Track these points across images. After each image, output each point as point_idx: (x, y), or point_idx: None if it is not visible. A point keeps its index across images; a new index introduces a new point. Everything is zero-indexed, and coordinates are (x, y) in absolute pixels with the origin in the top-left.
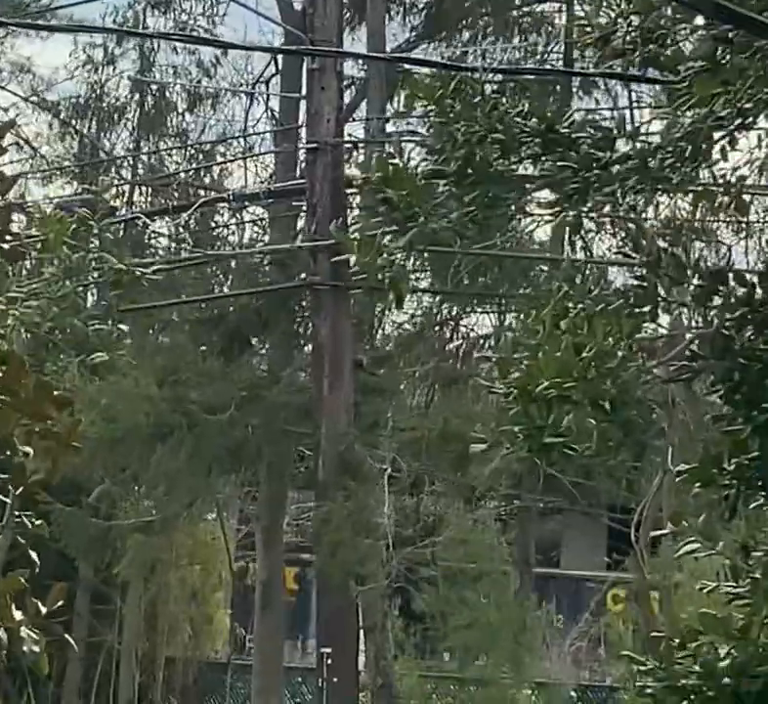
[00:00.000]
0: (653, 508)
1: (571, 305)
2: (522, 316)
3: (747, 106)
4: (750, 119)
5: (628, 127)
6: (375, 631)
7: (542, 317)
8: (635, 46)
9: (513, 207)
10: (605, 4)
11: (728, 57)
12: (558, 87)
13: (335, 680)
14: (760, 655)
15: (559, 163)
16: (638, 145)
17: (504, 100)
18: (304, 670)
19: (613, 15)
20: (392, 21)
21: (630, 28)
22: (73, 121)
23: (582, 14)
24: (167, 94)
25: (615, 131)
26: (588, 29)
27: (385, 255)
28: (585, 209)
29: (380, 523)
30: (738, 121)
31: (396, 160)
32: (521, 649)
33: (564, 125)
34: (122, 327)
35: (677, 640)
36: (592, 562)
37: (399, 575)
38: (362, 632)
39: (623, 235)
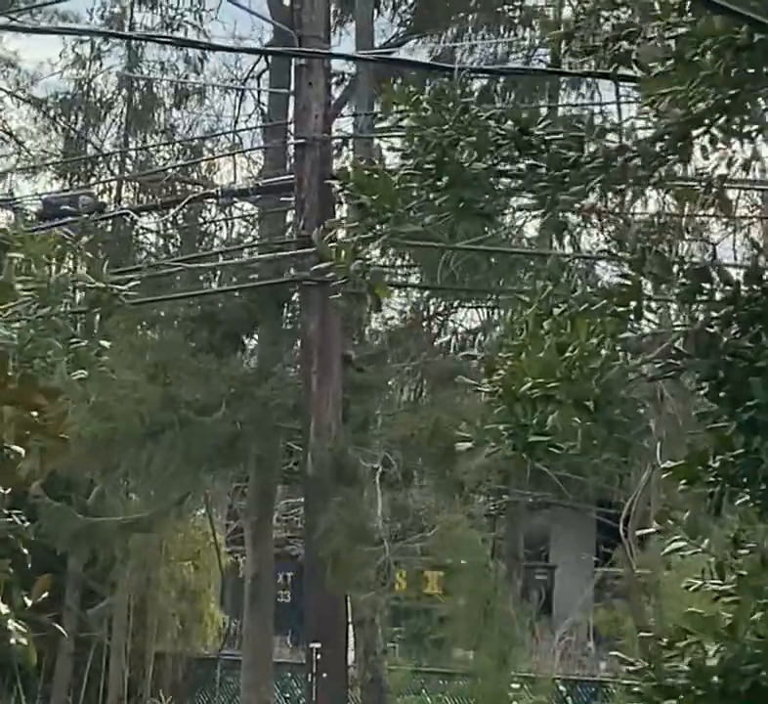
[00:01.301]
0: (641, 503)
1: (555, 304)
2: (506, 315)
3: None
4: (725, 119)
5: (605, 125)
6: (365, 625)
7: (525, 317)
8: (606, 43)
9: (485, 211)
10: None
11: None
12: (547, 82)
13: (325, 674)
14: (748, 654)
15: (528, 163)
16: (604, 144)
17: (475, 104)
18: (293, 665)
19: (577, 10)
20: (381, 15)
21: (597, 25)
22: (61, 117)
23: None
24: (155, 89)
25: (584, 131)
26: (552, 25)
27: (359, 261)
28: (568, 207)
29: (372, 519)
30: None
31: (372, 164)
32: (509, 643)
33: (538, 127)
34: (103, 343)
35: (665, 640)
36: (581, 557)
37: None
38: (351, 626)
39: (611, 228)
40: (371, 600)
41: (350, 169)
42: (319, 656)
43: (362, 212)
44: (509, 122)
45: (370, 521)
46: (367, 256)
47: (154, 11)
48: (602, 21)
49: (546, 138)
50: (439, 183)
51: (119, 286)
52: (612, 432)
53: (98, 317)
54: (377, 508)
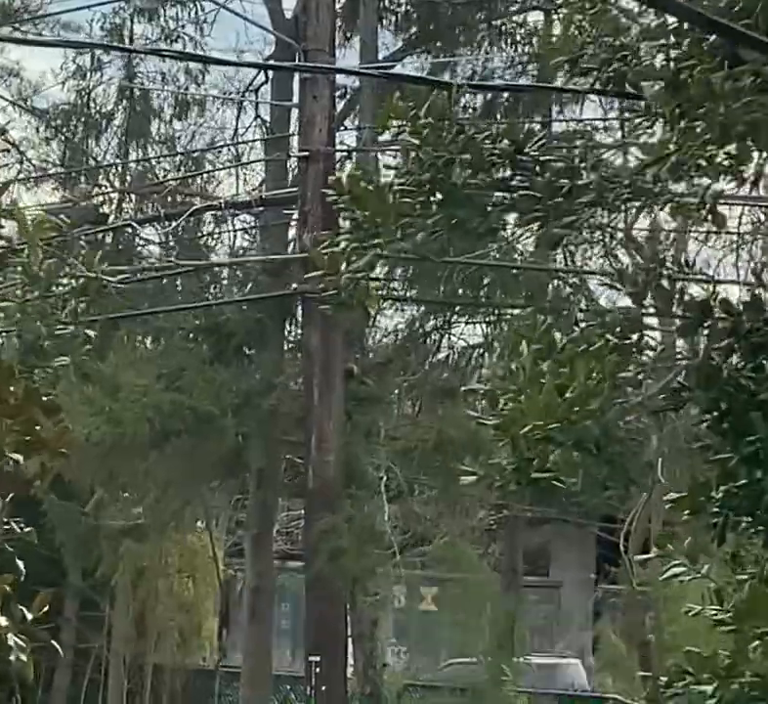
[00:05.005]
0: (642, 519)
1: (554, 339)
2: (505, 346)
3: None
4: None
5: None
6: (364, 639)
7: (523, 361)
8: (602, 65)
9: (478, 230)
10: (575, 26)
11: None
12: (551, 96)
13: (324, 688)
14: (746, 694)
15: (521, 193)
16: (600, 174)
17: (472, 120)
18: (292, 678)
19: (580, 36)
20: (384, 29)
21: (598, 49)
22: (61, 127)
23: (553, 32)
24: (155, 100)
25: (577, 160)
26: (556, 51)
27: (347, 276)
28: (559, 238)
29: (376, 530)
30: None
31: (368, 178)
32: (508, 657)
33: (533, 148)
34: (88, 332)
35: (664, 680)
36: (581, 572)
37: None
38: (350, 640)
39: (611, 246)
40: (372, 613)
41: (345, 181)
42: (318, 669)
43: (354, 225)
44: (504, 141)
45: (374, 532)
46: (359, 269)
47: (154, 22)
48: (602, 45)
49: (541, 159)
50: (432, 200)
51: (108, 278)
52: (613, 470)
53: (85, 304)
54: (383, 518)
